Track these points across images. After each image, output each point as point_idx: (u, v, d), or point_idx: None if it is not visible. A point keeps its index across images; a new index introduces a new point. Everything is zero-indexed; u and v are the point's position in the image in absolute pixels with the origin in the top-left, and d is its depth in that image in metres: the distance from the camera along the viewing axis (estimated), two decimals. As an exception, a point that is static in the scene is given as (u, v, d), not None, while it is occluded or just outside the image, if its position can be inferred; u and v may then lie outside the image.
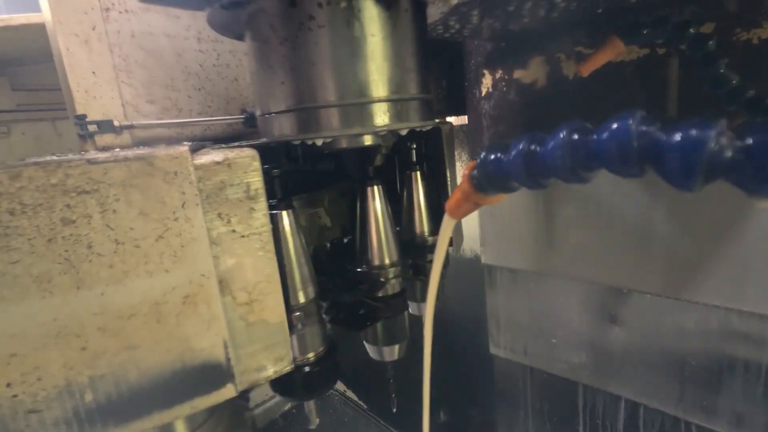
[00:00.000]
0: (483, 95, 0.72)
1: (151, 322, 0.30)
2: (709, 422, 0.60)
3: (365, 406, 1.69)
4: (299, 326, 0.44)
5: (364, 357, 1.73)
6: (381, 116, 0.40)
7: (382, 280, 0.53)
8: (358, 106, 0.39)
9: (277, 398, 1.72)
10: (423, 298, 0.67)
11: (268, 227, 0.35)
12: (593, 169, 0.28)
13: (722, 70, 0.43)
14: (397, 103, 0.41)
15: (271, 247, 0.36)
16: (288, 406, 1.74)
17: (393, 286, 0.55)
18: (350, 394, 1.77)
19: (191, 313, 0.32)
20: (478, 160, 0.36)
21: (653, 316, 0.63)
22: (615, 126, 0.25)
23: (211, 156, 0.32)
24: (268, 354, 0.36)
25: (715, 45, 0.44)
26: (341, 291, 0.55)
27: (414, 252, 0.60)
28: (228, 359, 0.33)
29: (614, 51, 0.49)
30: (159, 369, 0.30)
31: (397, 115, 0.41)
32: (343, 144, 0.47)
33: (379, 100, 0.40)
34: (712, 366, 0.58)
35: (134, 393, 0.30)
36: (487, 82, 0.71)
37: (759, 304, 0.52)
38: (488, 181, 0.36)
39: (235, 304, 0.34)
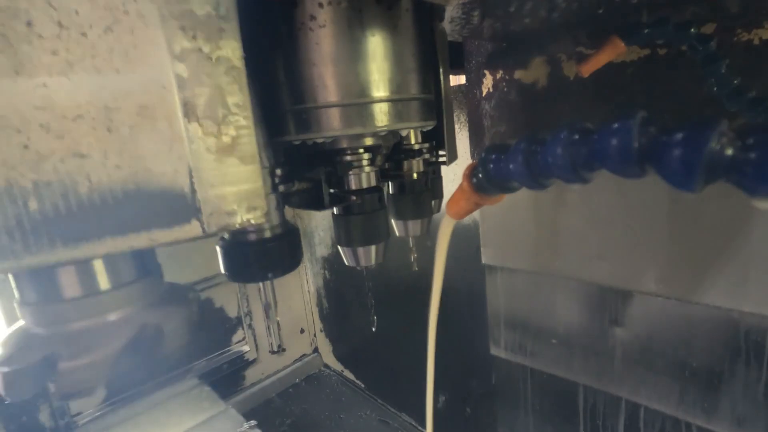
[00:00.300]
0: (483, 95, 0.73)
1: (101, 128, 0.27)
2: (709, 423, 0.60)
3: (362, 385, 1.70)
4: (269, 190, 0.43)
5: (361, 337, 1.74)
6: (381, 116, 0.40)
7: (348, 158, 0.49)
8: (358, 106, 0.39)
9: (273, 378, 1.74)
10: (411, 216, 0.63)
11: (240, 55, 0.32)
12: (594, 170, 0.28)
13: (723, 71, 0.43)
14: (397, 103, 0.41)
15: (243, 78, 0.32)
16: (284, 387, 1.75)
17: (368, 176, 0.51)
18: (347, 373, 1.78)
19: (148, 127, 0.28)
20: (479, 160, 0.36)
21: (654, 317, 0.63)
22: (616, 126, 0.25)
23: None
24: (239, 199, 0.33)
25: (716, 45, 0.43)
26: (306, 168, 0.51)
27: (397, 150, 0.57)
28: (193, 191, 0.30)
29: (615, 51, 0.49)
30: (110, 186, 0.28)
31: (397, 115, 0.41)
32: (344, 144, 0.47)
33: (380, 100, 0.40)
34: (713, 367, 0.58)
35: (85, 210, 0.27)
36: (487, 82, 0.72)
37: (760, 304, 0.52)
38: (488, 182, 0.36)
39: (203, 133, 0.30)
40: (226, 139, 0.32)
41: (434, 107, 0.49)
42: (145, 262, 0.39)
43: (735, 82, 0.43)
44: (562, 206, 0.68)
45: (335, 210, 0.52)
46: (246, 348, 1.67)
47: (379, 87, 0.39)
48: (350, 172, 0.49)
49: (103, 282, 0.36)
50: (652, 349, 0.64)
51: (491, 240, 0.80)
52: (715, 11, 0.48)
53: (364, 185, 0.50)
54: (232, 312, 1.63)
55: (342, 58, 0.38)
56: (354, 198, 0.50)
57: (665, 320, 0.61)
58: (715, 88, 0.44)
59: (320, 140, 0.42)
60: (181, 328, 0.39)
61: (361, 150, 0.49)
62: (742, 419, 0.57)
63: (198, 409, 1.30)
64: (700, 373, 0.60)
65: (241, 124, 0.32)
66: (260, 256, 0.45)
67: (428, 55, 0.46)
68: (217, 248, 0.46)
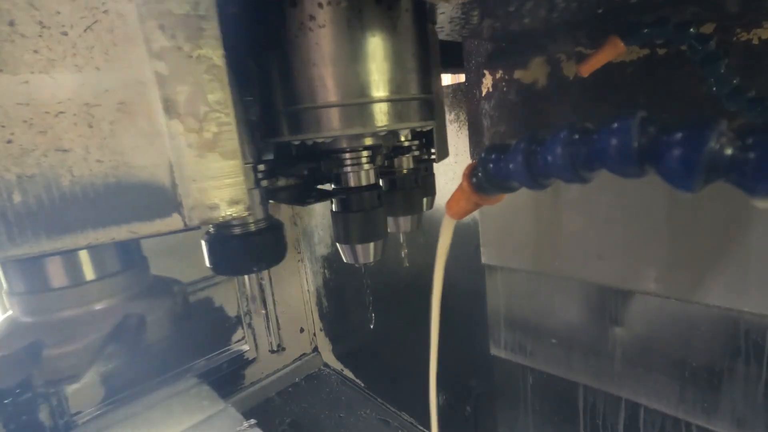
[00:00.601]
0: (483, 95, 0.72)
1: (82, 124, 0.29)
2: (709, 423, 0.60)
3: (362, 384, 1.70)
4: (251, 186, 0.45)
5: (361, 336, 1.75)
6: (381, 116, 0.40)
7: (346, 156, 0.49)
8: (358, 106, 0.39)
9: (272, 377, 1.75)
10: (401, 212, 0.64)
11: (221, 53, 0.33)
12: (594, 170, 0.28)
13: (723, 71, 0.43)
14: (397, 103, 0.41)
15: (224, 76, 0.33)
16: (284, 386, 1.76)
17: (367, 173, 0.51)
18: (347, 372, 1.78)
19: (128, 123, 0.30)
20: (478, 160, 0.36)
21: (654, 317, 0.63)
22: (616, 126, 0.25)
23: None
24: (221, 193, 0.34)
25: (716, 45, 0.44)
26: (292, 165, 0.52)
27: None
28: (174, 185, 0.32)
29: (614, 51, 0.49)
30: (91, 180, 0.29)
31: (397, 115, 0.41)
32: (344, 144, 0.47)
33: (380, 101, 0.40)
34: (713, 366, 0.58)
35: (67, 203, 0.29)
36: (487, 82, 0.71)
37: (760, 304, 0.52)
38: (488, 182, 0.36)
39: (184, 129, 0.32)
40: (207, 135, 0.33)
41: (434, 107, 0.49)
42: (130, 255, 0.41)
43: (734, 81, 0.43)
44: (562, 206, 0.68)
45: (333, 207, 0.52)
46: (246, 347, 1.67)
47: (379, 87, 0.39)
48: (349, 170, 0.50)
49: (89, 273, 0.37)
50: (652, 348, 0.64)
51: (491, 240, 0.80)
52: (714, 11, 0.48)
53: (363, 183, 0.51)
54: (231, 311, 1.63)
55: (341, 59, 0.38)
56: (346, 195, 0.50)
57: (665, 320, 0.62)
58: (715, 88, 0.44)
59: (320, 140, 0.42)
60: (163, 319, 0.40)
61: (361, 149, 0.49)
62: (742, 419, 0.57)
63: (197, 408, 1.30)
64: (700, 373, 0.60)
65: (223, 120, 0.33)
66: (245, 249, 0.46)
67: (428, 54, 0.46)
68: (202, 242, 0.47)
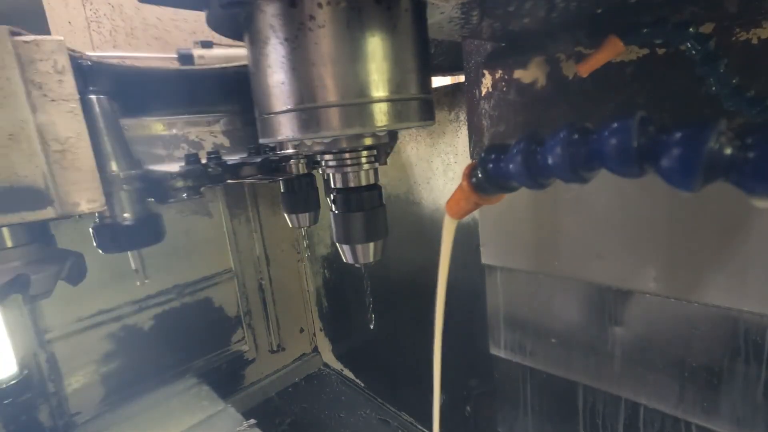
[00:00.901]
0: (483, 95, 0.73)
1: None
2: (709, 422, 0.60)
3: (362, 384, 1.70)
4: (114, 189, 0.57)
5: (361, 336, 1.75)
6: (381, 116, 0.40)
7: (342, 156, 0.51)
8: (358, 107, 0.39)
9: (272, 377, 1.76)
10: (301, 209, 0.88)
11: (76, 96, 0.47)
12: (594, 169, 0.28)
13: (722, 70, 0.43)
14: (397, 103, 0.41)
15: (79, 111, 0.48)
16: (283, 386, 1.76)
17: (367, 174, 0.51)
18: (347, 372, 1.78)
19: (16, 147, 0.45)
20: (478, 160, 0.36)
21: (653, 316, 0.63)
22: (615, 126, 0.25)
23: (24, 38, 0.45)
24: (81, 195, 0.49)
25: (715, 45, 0.44)
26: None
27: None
28: (47, 188, 0.47)
29: (614, 51, 0.49)
30: None
31: (397, 115, 0.41)
32: (344, 144, 0.47)
33: (379, 101, 0.40)
34: (713, 366, 0.58)
35: None
36: (486, 82, 0.71)
37: (759, 303, 0.52)
38: (488, 182, 0.36)
39: (51, 150, 0.47)
40: (68, 155, 0.48)
41: (433, 107, 0.49)
42: (35, 234, 0.58)
43: (734, 81, 0.43)
44: (562, 206, 0.68)
45: (333, 207, 0.52)
46: (245, 347, 1.67)
47: (379, 87, 0.39)
48: (349, 170, 0.50)
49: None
50: (652, 348, 0.64)
51: (491, 239, 0.80)
52: (713, 11, 0.48)
53: (363, 183, 0.51)
54: (231, 311, 1.63)
55: (341, 59, 0.38)
56: (346, 195, 0.52)
57: (664, 319, 0.62)
58: (714, 88, 0.44)
59: (318, 140, 0.42)
60: (46, 279, 0.57)
61: (361, 149, 0.49)
62: (741, 418, 0.57)
63: (197, 408, 1.30)
64: (700, 373, 0.60)
65: (80, 145, 0.49)
66: (122, 233, 0.60)
67: (428, 54, 0.46)
68: (90, 229, 0.60)
